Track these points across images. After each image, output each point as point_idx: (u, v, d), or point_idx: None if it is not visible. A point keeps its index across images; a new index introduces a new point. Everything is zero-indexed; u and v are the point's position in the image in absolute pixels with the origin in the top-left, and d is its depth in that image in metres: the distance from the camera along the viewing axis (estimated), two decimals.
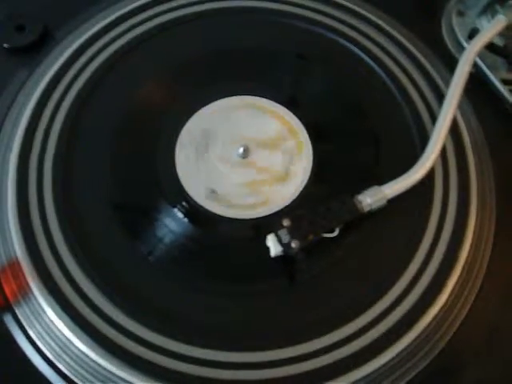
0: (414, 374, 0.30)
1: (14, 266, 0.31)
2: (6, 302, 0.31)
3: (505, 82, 0.38)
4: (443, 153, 0.35)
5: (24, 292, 0.31)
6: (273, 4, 0.41)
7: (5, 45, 0.39)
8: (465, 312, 0.32)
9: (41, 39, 0.40)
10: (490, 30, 0.37)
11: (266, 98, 0.37)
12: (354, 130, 0.37)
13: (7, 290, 0.31)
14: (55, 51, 0.39)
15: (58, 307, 0.30)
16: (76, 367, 0.30)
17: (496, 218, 0.35)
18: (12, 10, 0.41)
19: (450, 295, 0.31)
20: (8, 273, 0.32)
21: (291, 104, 0.37)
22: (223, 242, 0.32)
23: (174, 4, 0.40)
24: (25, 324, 0.31)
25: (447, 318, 0.31)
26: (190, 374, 0.29)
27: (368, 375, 0.29)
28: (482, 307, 0.32)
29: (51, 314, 0.30)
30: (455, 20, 0.41)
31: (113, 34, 0.38)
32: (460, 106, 0.36)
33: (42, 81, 0.37)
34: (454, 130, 0.36)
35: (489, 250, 0.34)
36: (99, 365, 0.29)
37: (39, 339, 0.30)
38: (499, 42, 0.39)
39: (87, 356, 0.29)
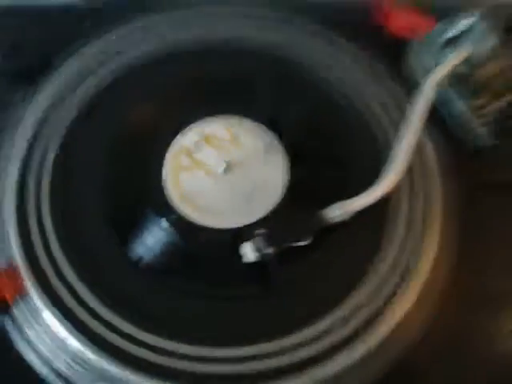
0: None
1: (13, 270, 0.34)
2: (5, 303, 0.34)
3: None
4: (410, 172, 0.38)
5: (22, 294, 0.34)
6: (259, 34, 0.45)
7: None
8: (425, 322, 0.35)
9: (40, 65, 0.43)
10: (449, 62, 0.40)
11: (248, 118, 0.40)
12: (328, 152, 0.40)
13: (6, 293, 0.34)
14: (54, 77, 0.43)
15: (53, 308, 0.33)
16: (72, 364, 0.32)
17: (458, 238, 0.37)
18: (15, 38, 0.45)
19: (410, 306, 0.34)
20: (6, 276, 0.34)
21: (271, 124, 0.40)
22: (205, 249, 0.35)
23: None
24: (23, 325, 0.34)
25: (409, 325, 0.34)
26: (179, 368, 0.32)
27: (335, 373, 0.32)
28: (442, 318, 0.35)
29: (47, 314, 0.33)
30: (421, 51, 0.44)
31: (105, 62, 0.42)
32: (426, 128, 0.39)
33: (42, 102, 0.41)
34: (419, 151, 0.39)
35: (450, 263, 0.37)
36: (93, 362, 0.32)
37: (36, 339, 0.33)
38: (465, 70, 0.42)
39: (82, 354, 0.32)
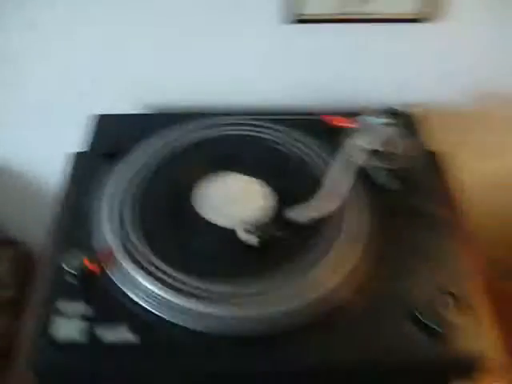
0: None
1: (108, 251, 0.60)
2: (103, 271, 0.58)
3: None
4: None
5: (113, 264, 0.59)
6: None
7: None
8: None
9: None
10: (359, 142, 0.69)
11: (245, 171, 0.69)
12: (291, 187, 0.68)
13: (104, 266, 0.58)
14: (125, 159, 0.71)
15: (137, 269, 0.58)
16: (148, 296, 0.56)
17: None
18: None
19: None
20: (104, 255, 0.59)
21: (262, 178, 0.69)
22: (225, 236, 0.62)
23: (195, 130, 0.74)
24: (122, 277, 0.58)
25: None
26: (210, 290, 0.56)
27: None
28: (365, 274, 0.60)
29: (133, 273, 0.58)
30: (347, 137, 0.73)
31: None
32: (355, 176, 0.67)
33: (126, 171, 0.69)
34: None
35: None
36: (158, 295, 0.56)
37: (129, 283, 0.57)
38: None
39: (151, 290, 0.57)
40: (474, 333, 0.57)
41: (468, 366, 0.57)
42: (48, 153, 0.86)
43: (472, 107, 0.86)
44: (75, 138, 0.75)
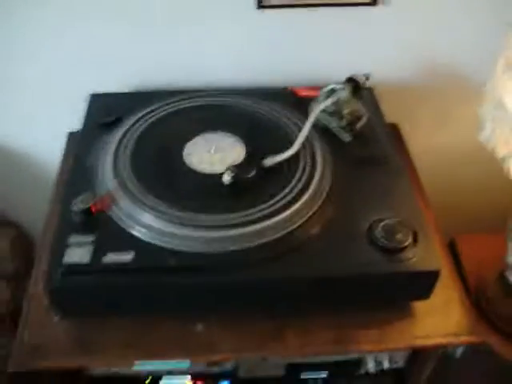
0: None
1: (108, 195, 0.70)
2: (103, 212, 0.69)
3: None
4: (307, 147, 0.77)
5: (112, 205, 0.69)
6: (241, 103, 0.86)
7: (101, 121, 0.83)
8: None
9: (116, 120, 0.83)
10: (323, 105, 0.80)
11: (225, 132, 0.80)
12: (266, 144, 0.78)
13: (105, 207, 0.69)
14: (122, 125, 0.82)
15: (134, 207, 0.68)
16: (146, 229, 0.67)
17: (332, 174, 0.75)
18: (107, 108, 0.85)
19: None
20: (106, 199, 0.70)
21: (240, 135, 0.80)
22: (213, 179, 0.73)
23: (181, 100, 0.85)
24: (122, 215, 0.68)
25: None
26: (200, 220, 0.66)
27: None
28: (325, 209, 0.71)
29: (129, 208, 0.68)
30: (314, 102, 0.85)
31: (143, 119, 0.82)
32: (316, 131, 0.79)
33: (120, 131, 0.80)
34: (309, 141, 0.78)
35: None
36: (152, 224, 0.66)
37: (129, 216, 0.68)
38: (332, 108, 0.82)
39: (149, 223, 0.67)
40: (427, 254, 0.67)
41: (423, 281, 0.68)
42: (47, 135, 0.94)
43: (421, 82, 0.99)
44: (75, 120, 0.84)
